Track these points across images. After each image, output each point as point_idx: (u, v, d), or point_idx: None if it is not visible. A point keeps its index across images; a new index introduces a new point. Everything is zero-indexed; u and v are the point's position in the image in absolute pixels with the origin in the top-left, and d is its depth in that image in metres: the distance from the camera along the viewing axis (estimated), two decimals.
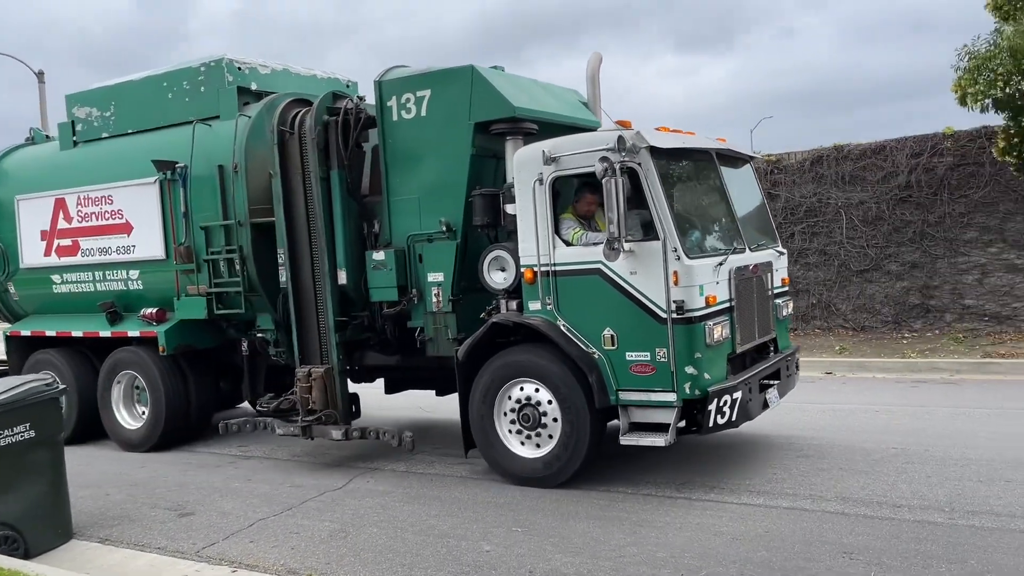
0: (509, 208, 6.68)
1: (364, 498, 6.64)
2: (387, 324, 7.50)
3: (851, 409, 9.03)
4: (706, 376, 5.92)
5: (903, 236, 14.10)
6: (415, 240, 7.20)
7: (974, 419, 8.33)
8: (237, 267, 8.02)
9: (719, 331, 6.07)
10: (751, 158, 7.54)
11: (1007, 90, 11.22)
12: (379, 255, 7.30)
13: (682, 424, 6.07)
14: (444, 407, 8.96)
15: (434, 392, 8.54)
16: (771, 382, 6.81)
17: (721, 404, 5.96)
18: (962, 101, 11.68)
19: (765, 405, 6.62)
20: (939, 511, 5.52)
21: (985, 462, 6.59)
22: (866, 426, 8.10)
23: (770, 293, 7.07)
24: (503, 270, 6.72)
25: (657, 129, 6.30)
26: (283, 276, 7.78)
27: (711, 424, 5.96)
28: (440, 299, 7.08)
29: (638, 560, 4.96)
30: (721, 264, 6.17)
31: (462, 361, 6.71)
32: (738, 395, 6.10)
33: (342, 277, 7.44)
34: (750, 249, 6.80)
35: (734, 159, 7.22)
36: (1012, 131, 11.83)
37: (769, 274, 7.07)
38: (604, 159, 5.79)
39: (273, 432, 7.83)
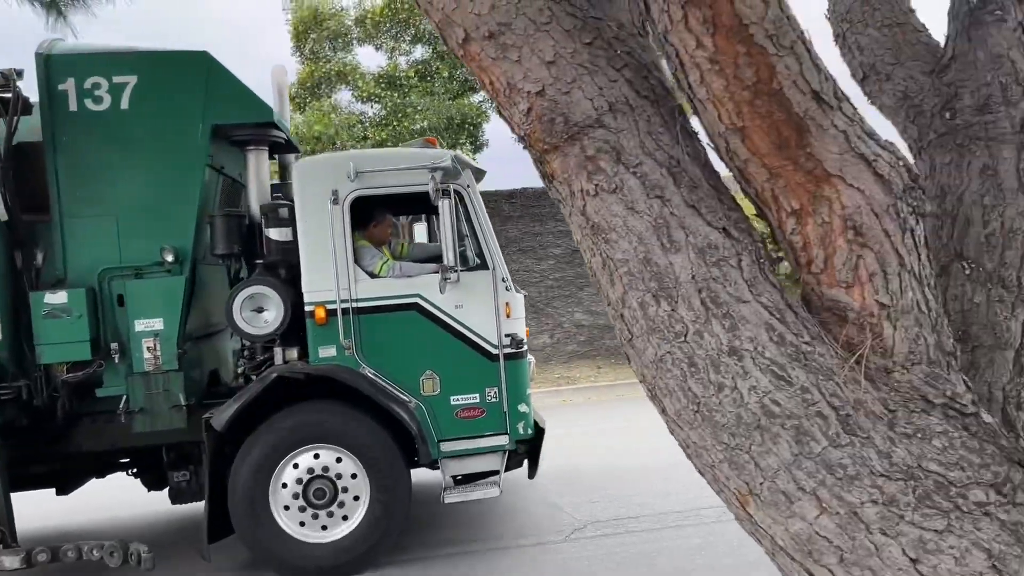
0: (274, 233, 5.36)
1: None
2: (61, 396, 5.26)
3: None
4: (532, 414, 5.56)
5: None
6: (111, 276, 5.24)
7: None
8: None
9: (533, 366, 5.79)
10: None
11: None
12: (56, 297, 5.11)
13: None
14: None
15: (55, 491, 6.25)
16: None
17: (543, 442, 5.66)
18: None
19: None
20: None
21: None
22: None
23: None
24: (262, 310, 5.32)
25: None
26: None
27: (537, 464, 5.61)
28: (158, 354, 5.25)
29: None
30: (525, 296, 5.90)
31: (221, 432, 5.07)
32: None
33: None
34: None
35: None
36: None
37: None
38: (434, 179, 5.10)
39: None
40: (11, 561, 4.96)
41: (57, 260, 5.22)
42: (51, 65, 5.18)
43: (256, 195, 5.57)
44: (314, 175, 5.28)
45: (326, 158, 5.46)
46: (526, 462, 5.72)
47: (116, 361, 5.25)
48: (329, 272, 5.20)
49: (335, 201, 5.22)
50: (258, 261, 5.50)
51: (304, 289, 5.24)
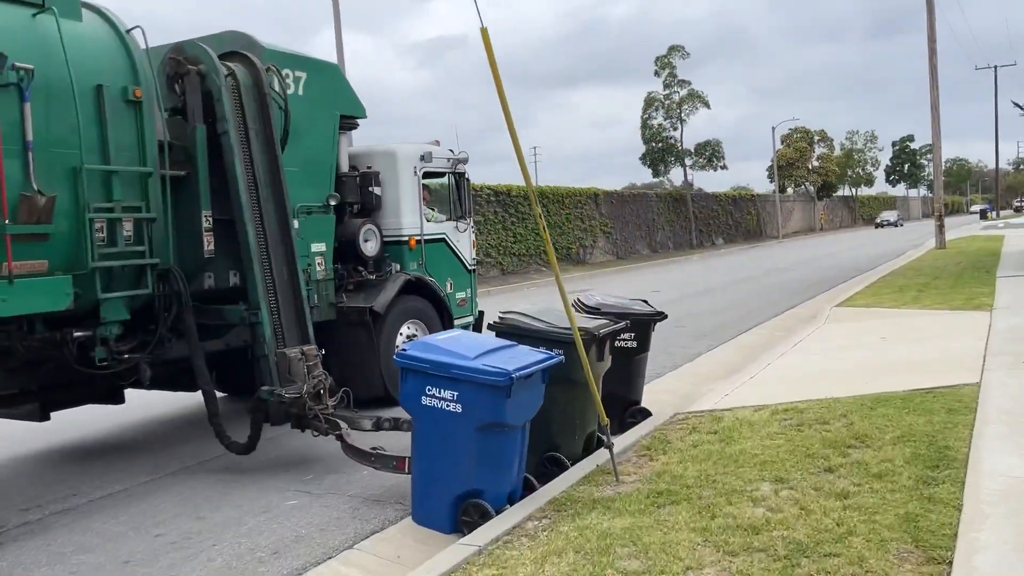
0: (377, 190, 8.36)
1: None
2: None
3: None
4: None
5: None
6: (300, 211, 7.54)
7: None
8: (146, 232, 5.81)
9: None
10: None
11: None
12: (295, 223, 7.24)
13: None
14: None
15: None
16: None
17: None
18: None
19: None
20: None
21: None
22: None
23: None
24: (368, 241, 8.29)
25: None
26: (208, 243, 6.32)
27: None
28: (325, 267, 7.78)
29: None
30: None
31: (381, 314, 7.97)
32: None
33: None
34: None
35: None
36: None
37: None
38: (459, 164, 9.03)
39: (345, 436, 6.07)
40: (367, 424, 6.65)
41: None
42: (265, 57, 7.18)
43: (346, 163, 8.31)
44: (409, 157, 8.53)
45: (412, 147, 8.50)
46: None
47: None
48: (417, 217, 8.54)
49: (415, 173, 8.58)
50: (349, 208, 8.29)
51: (405, 226, 8.45)
